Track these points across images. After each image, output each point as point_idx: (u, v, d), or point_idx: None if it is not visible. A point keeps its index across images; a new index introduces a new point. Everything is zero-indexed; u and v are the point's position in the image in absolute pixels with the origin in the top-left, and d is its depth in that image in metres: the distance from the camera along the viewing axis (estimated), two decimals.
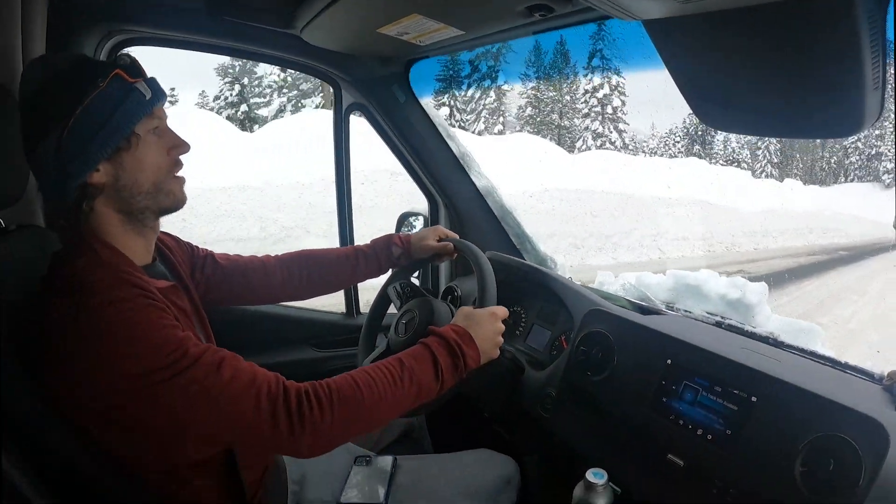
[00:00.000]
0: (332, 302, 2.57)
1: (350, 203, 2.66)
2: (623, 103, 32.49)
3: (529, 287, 2.28)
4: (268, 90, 29.10)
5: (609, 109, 32.04)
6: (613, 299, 2.27)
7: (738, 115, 1.20)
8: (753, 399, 1.44)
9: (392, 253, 1.96)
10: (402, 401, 1.31)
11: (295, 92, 28.96)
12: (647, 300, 2.43)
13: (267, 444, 1.18)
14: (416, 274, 2.60)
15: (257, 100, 28.95)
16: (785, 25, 0.97)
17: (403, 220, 2.86)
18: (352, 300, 2.70)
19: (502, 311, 1.63)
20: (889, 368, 1.75)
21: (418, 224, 2.77)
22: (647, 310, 2.21)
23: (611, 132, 32.25)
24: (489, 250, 2.41)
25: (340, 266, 1.91)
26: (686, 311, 2.33)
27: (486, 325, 1.54)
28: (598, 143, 31.23)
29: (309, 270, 1.87)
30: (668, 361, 1.65)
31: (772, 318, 2.45)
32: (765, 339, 2.04)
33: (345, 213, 2.64)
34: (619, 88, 32.27)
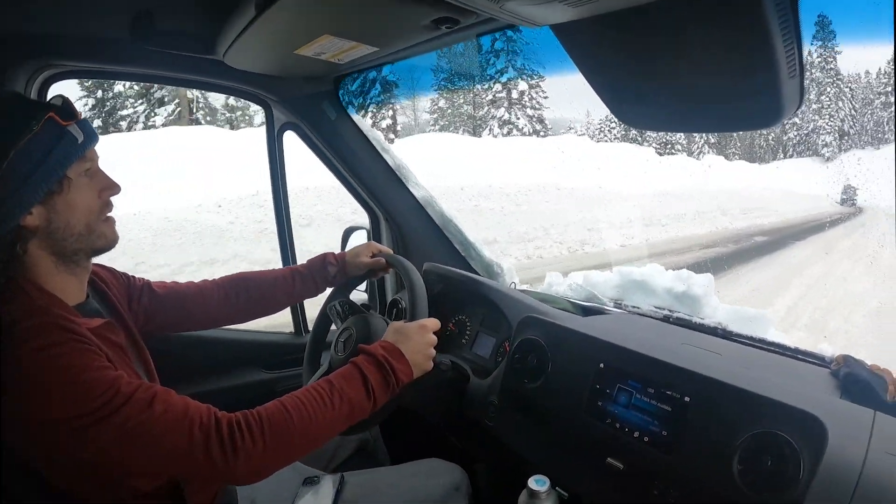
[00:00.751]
0: (283, 322, 2.55)
1: (289, 223, 2.61)
2: (531, 87, 31.49)
3: (472, 295, 2.28)
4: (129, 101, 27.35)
5: (515, 94, 31.27)
6: (554, 302, 2.28)
7: (656, 112, 1.19)
8: (687, 399, 1.44)
9: (328, 272, 1.95)
10: (335, 421, 1.30)
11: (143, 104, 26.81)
12: (594, 299, 2.42)
13: (203, 474, 1.17)
14: (363, 288, 2.59)
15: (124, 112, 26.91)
16: (689, 20, 0.95)
17: (348, 234, 2.82)
18: (299, 319, 2.67)
19: (432, 323, 1.62)
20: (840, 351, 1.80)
21: (362, 238, 2.72)
22: (591, 310, 2.21)
23: (517, 118, 31.39)
24: (429, 262, 2.43)
25: (277, 287, 1.89)
26: (634, 307, 2.33)
27: (416, 339, 1.53)
28: (505, 130, 30.12)
29: (247, 293, 1.84)
30: (601, 365, 1.65)
31: (720, 308, 2.46)
32: (712, 331, 2.06)
33: (284, 233, 2.59)
34: (527, 72, 31.40)
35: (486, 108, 31.44)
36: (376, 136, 2.56)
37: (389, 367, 1.41)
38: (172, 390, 1.16)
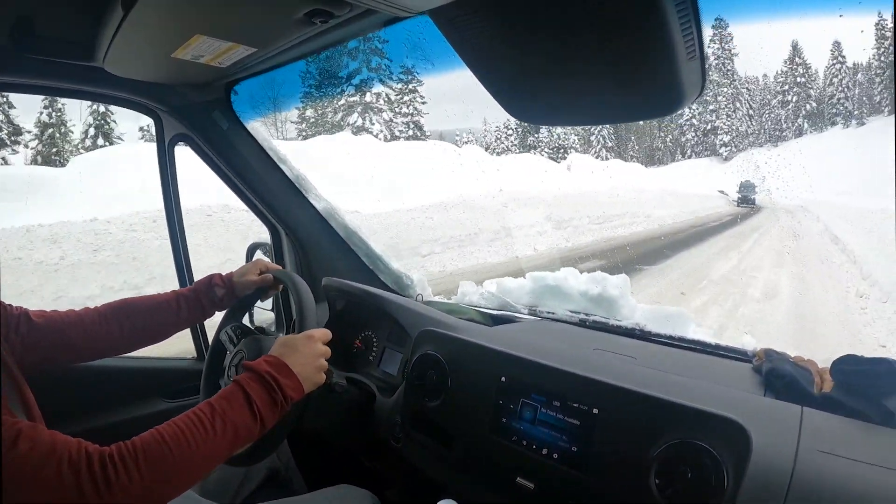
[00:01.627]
0: (186, 348, 2.45)
1: (184, 241, 2.46)
2: (407, 91, 31.79)
3: (375, 310, 2.20)
4: None
5: (369, 97, 31.09)
6: (461, 312, 2.24)
7: (549, 106, 1.12)
8: (595, 411, 1.39)
9: (215, 294, 1.84)
10: (219, 447, 1.21)
11: None
12: (507, 307, 2.39)
13: None
14: (270, 306, 2.50)
15: None
16: (577, 3, 0.90)
17: (252, 251, 2.70)
18: (201, 343, 2.52)
19: (321, 334, 1.53)
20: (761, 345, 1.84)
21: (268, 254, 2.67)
22: (501, 319, 2.18)
23: (372, 123, 31.14)
24: (336, 276, 2.35)
25: (161, 314, 1.76)
26: (549, 312, 2.30)
27: (302, 350, 1.44)
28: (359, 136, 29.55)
29: (129, 321, 1.70)
30: (503, 379, 1.59)
31: (637, 308, 2.44)
32: (630, 332, 2.04)
33: (180, 252, 2.45)
34: (383, 72, 31.27)
35: (339, 115, 31.16)
36: (272, 146, 2.44)
37: (275, 383, 1.33)
38: (40, 426, 1.07)
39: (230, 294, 1.86)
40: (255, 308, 2.16)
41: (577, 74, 0.98)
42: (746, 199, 33.67)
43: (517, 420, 1.52)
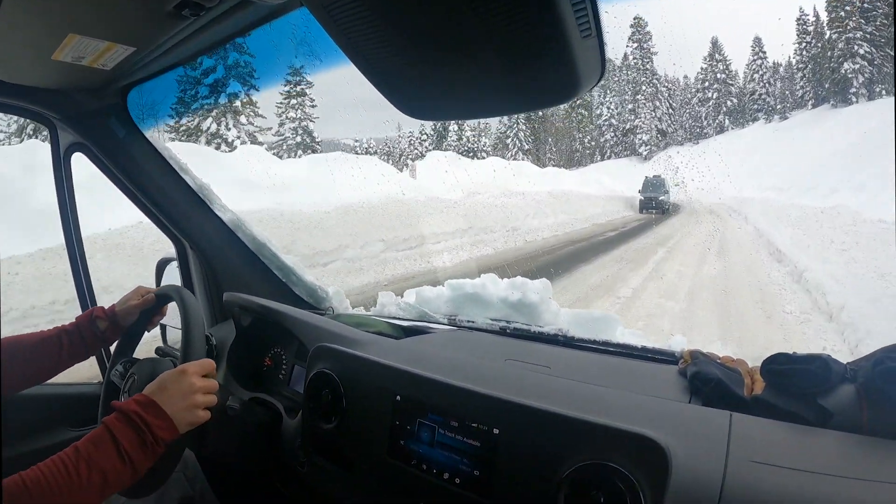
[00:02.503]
0: (95, 373, 2.31)
1: (84, 262, 2.34)
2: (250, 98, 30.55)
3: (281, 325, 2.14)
4: None
5: (237, 104, 30.20)
6: (369, 325, 2.18)
7: (441, 101, 1.07)
8: (496, 432, 1.31)
9: (97, 327, 1.74)
10: (85, 493, 1.14)
11: None
12: (426, 317, 2.35)
13: None
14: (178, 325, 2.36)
15: None
16: None
17: (162, 267, 2.63)
18: (107, 366, 2.27)
19: (197, 367, 1.44)
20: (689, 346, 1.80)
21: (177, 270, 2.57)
22: (414, 330, 2.13)
23: (228, 129, 30.24)
24: (246, 292, 2.24)
25: (41, 353, 1.67)
26: (469, 321, 2.27)
27: (172, 388, 1.36)
28: (214, 145, 28.72)
29: (10, 361, 1.60)
30: (398, 398, 1.52)
31: (561, 313, 2.40)
32: (553, 338, 2.00)
33: (80, 273, 2.33)
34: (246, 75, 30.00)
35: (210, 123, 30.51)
36: (173, 155, 2.32)
37: (144, 424, 1.26)
38: None
39: (114, 326, 1.78)
40: (168, 327, 2.10)
41: (465, 63, 0.92)
42: (651, 204, 29.65)
43: (415, 442, 1.46)
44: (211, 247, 2.47)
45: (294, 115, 34.50)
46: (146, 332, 1.98)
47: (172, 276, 2.57)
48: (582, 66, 0.83)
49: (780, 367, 1.40)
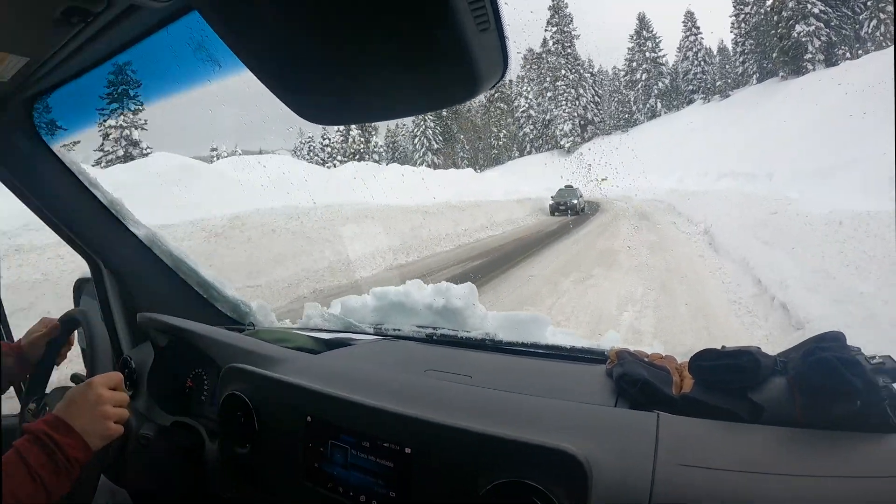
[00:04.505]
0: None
1: None
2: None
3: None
4: None
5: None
6: (288, 340, 2.26)
7: (341, 103, 1.10)
8: (408, 451, 1.37)
9: (2, 365, 1.77)
10: None
11: None
12: (351, 327, 2.46)
13: None
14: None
15: None
16: None
17: (80, 288, 2.71)
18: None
19: (104, 379, 1.49)
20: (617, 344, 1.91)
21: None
22: (336, 343, 2.22)
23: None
24: (164, 311, 2.31)
25: None
26: (395, 329, 2.39)
27: (79, 403, 1.41)
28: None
29: None
30: (309, 419, 1.57)
31: (488, 316, 2.52)
32: (480, 343, 2.14)
33: None
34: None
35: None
36: (82, 170, 2.37)
37: (54, 444, 1.30)
38: None
39: (21, 362, 1.83)
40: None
41: (363, 64, 0.95)
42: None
43: (329, 464, 1.51)
44: (126, 265, 2.52)
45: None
46: (56, 366, 2.00)
47: (93, 296, 2.57)
48: (482, 62, 0.88)
49: (708, 364, 1.49)
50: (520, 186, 37.51)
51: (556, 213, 31.28)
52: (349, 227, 17.59)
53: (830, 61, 53.69)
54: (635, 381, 1.55)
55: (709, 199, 24.52)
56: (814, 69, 52.72)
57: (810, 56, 54.54)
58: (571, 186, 35.00)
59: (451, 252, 18.30)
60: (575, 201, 32.61)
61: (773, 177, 23.17)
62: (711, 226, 17.72)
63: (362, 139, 68.47)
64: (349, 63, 0.95)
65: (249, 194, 16.09)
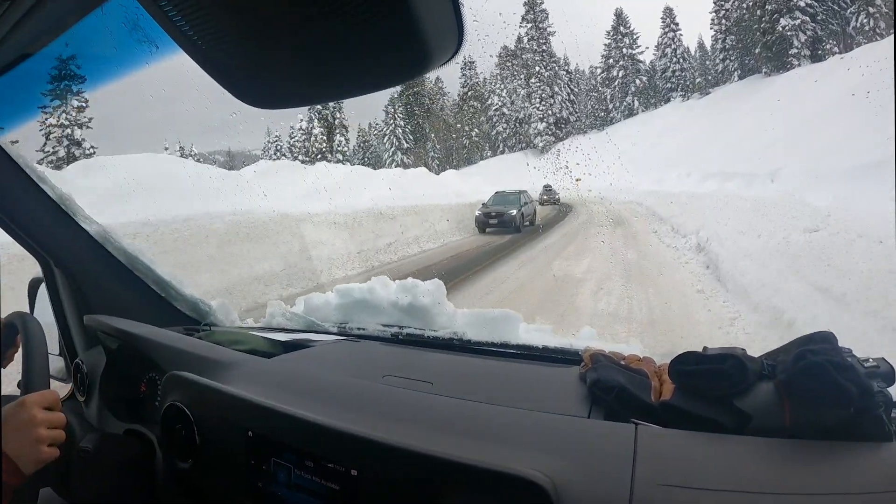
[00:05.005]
0: None
1: None
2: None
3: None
4: None
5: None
6: (243, 343, 2.23)
7: (282, 86, 1.06)
8: (354, 473, 1.31)
9: None
10: None
11: None
12: (314, 327, 2.45)
13: None
14: (56, 351, 2.41)
15: None
16: None
17: (34, 288, 2.66)
18: None
19: (38, 398, 1.44)
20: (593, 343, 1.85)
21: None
22: (294, 344, 2.20)
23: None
24: (120, 311, 2.30)
25: None
26: (360, 328, 2.38)
27: (11, 423, 1.36)
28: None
29: None
30: (249, 434, 1.51)
31: (457, 314, 2.50)
32: (448, 344, 2.13)
33: None
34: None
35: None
36: (30, 164, 2.32)
37: None
38: None
39: None
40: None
41: (306, 39, 0.91)
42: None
43: (272, 484, 1.45)
44: (77, 263, 2.46)
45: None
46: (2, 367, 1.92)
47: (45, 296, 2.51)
48: (430, 34, 0.85)
49: (690, 368, 1.44)
50: (482, 187, 34.49)
51: (487, 230, 24.59)
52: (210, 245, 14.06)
53: (816, 56, 54.04)
54: (610, 388, 1.50)
55: (696, 202, 21.07)
56: (799, 64, 52.60)
57: (795, 51, 54.57)
58: (506, 192, 26.88)
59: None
60: (514, 211, 24.54)
61: (776, 177, 20.13)
62: (708, 241, 13.62)
63: (324, 137, 68.29)
64: (289, 40, 0.93)
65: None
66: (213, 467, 1.58)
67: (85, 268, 2.49)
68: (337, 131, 70.06)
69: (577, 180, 48.89)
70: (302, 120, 71.45)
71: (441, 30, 0.85)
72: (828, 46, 54.89)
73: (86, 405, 2.21)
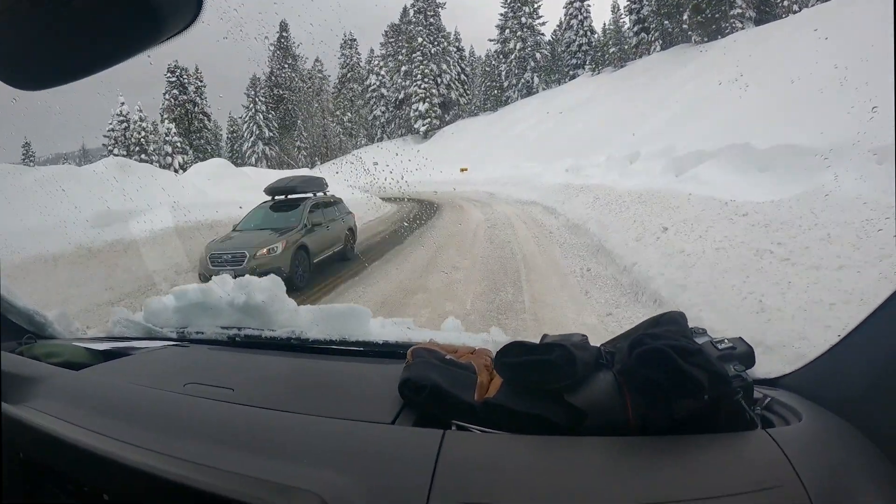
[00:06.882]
0: None
1: None
2: None
3: None
4: None
5: None
6: (57, 354, 2.31)
7: (44, 62, 1.09)
8: (106, 497, 1.38)
9: None
10: None
11: None
12: (151, 332, 2.57)
13: None
14: None
15: None
16: None
17: None
18: None
19: None
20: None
21: None
22: (114, 353, 2.30)
23: None
24: None
25: None
26: (198, 332, 2.49)
27: None
28: None
29: None
30: (21, 455, 1.56)
31: (300, 311, 2.64)
32: (286, 343, 2.25)
33: None
34: None
35: None
36: None
37: None
38: None
39: None
40: None
41: (40, 16, 0.97)
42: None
43: None
44: None
45: None
46: None
47: None
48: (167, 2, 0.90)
49: (514, 361, 1.46)
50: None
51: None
52: None
53: (763, 17, 51.35)
54: (421, 388, 1.52)
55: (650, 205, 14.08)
56: (742, 27, 50.34)
57: (739, 12, 53.03)
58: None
59: None
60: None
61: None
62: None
63: (142, 126, 66.40)
64: (33, 20, 0.96)
65: None
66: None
67: None
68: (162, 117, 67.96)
69: (462, 170, 47.56)
70: (123, 104, 67.92)
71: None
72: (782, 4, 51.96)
73: None
